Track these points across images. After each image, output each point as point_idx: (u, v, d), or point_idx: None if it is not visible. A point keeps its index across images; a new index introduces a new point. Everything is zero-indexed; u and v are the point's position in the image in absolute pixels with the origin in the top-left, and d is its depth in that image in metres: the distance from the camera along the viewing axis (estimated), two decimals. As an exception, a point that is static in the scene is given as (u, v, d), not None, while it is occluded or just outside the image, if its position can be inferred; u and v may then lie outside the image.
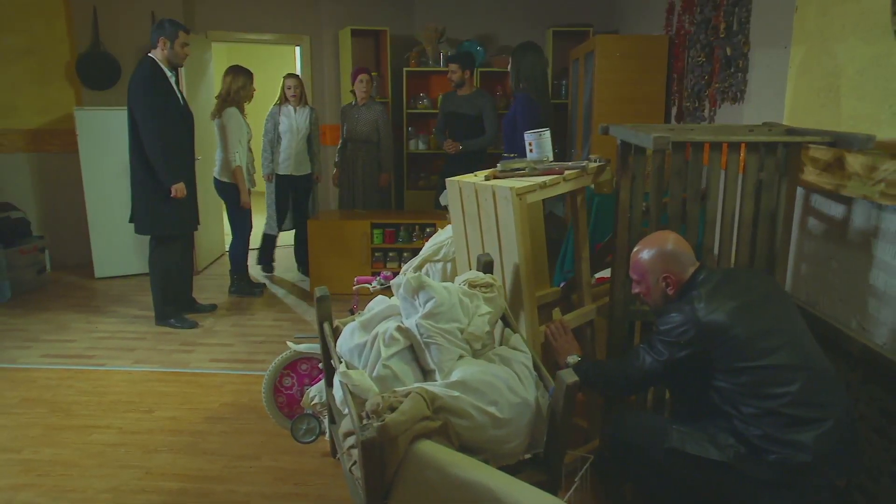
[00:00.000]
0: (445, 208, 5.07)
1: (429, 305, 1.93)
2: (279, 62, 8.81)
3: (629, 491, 2.38)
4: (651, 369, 1.92)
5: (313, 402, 2.67)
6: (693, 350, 1.84)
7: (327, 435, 2.70)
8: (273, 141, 5.16)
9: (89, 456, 2.73)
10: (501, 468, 1.81)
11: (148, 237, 4.26)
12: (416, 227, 4.92)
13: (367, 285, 2.81)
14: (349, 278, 4.77)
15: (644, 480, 2.01)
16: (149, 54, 3.97)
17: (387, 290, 2.87)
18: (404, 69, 6.13)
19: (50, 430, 2.95)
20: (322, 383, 2.70)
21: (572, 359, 2.20)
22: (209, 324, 4.34)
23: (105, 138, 5.21)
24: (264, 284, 5.20)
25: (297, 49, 6.36)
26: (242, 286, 4.99)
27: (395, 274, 2.90)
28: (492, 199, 2.24)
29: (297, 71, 6.40)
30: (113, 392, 3.33)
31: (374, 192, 5.33)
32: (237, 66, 4.79)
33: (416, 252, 4.91)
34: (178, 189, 3.98)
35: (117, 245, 5.36)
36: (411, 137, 6.31)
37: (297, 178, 5.26)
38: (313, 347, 2.83)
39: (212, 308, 4.60)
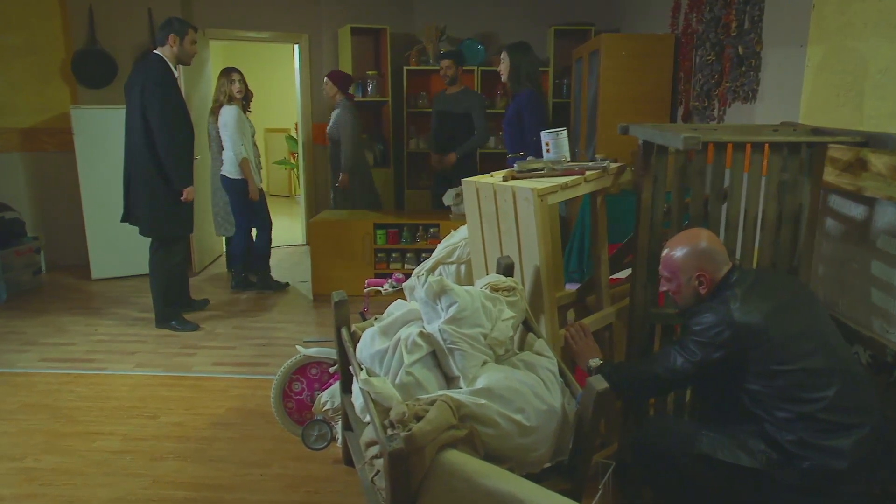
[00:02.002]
0: (448, 209, 5.05)
1: (451, 310, 1.87)
2: (276, 61, 8.74)
3: (646, 494, 2.35)
4: (682, 370, 1.87)
5: (325, 408, 2.61)
6: (728, 351, 1.80)
7: (339, 441, 2.65)
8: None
9: (94, 464, 2.66)
10: (526, 477, 1.76)
11: (146, 238, 4.17)
12: (420, 227, 4.86)
13: (378, 288, 2.75)
14: (352, 280, 4.75)
15: (669, 487, 1.96)
16: (155, 52, 3.88)
17: (399, 293, 2.82)
18: (404, 68, 6.07)
19: (52, 436, 2.88)
20: (333, 388, 2.64)
21: (594, 362, 2.15)
22: (210, 326, 4.27)
23: (102, 137, 5.12)
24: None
25: (296, 47, 6.28)
26: (240, 280, 5.02)
27: (407, 276, 2.86)
28: (511, 200, 2.19)
29: (296, 70, 6.34)
30: (115, 397, 3.26)
31: (334, 192, 5.34)
32: (225, 67, 4.81)
33: (419, 253, 4.87)
34: (189, 192, 3.93)
35: (114, 246, 5.26)
36: (412, 136, 6.25)
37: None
38: (323, 351, 2.77)
39: (205, 304, 4.56)
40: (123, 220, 4.09)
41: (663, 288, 2.06)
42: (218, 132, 4.80)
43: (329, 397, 2.62)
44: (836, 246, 2.56)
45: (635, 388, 2.06)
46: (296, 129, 7.57)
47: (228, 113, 4.64)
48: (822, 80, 2.69)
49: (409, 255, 4.87)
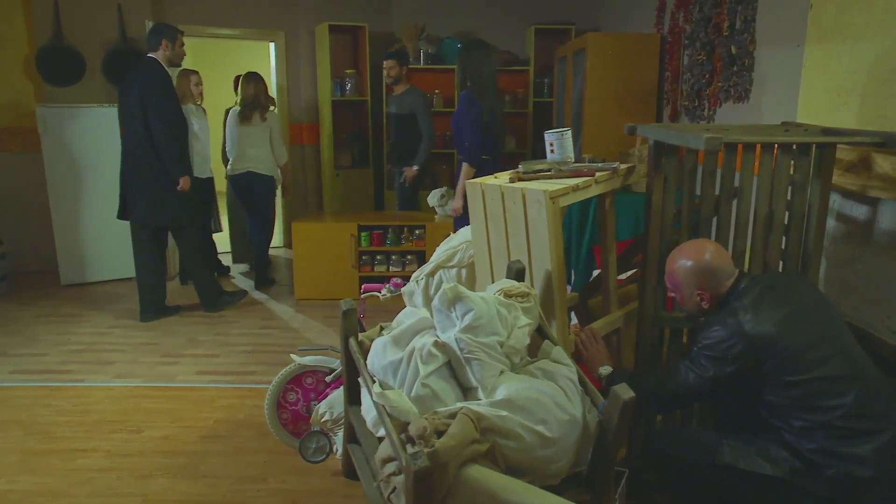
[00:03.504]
0: (433, 210, 4.97)
1: (467, 318, 1.80)
2: (250, 59, 8.52)
3: (658, 501, 2.31)
4: (695, 386, 1.82)
5: (323, 419, 2.51)
6: (741, 365, 1.75)
7: (338, 453, 2.55)
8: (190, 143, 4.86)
9: (77, 484, 2.51)
10: (544, 489, 1.70)
11: (118, 243, 4.25)
12: (405, 228, 4.77)
13: (376, 293, 2.66)
14: (337, 283, 4.65)
15: (691, 496, 1.92)
16: (150, 55, 4.06)
17: (397, 298, 2.74)
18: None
19: (29, 455, 2.71)
20: (331, 398, 2.55)
21: (604, 370, 2.10)
22: (192, 333, 4.11)
23: (70, 137, 4.91)
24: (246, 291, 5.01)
25: (272, 45, 6.12)
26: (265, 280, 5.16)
27: (406, 280, 2.77)
28: (521, 202, 2.12)
29: (272, 68, 6.19)
30: (95, 410, 3.10)
31: None
32: (254, 72, 4.90)
33: (404, 255, 4.78)
34: (185, 182, 4.12)
35: (84, 250, 5.07)
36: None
37: (207, 181, 5.01)
38: (319, 360, 2.67)
39: (176, 310, 4.46)
40: (119, 216, 4.25)
41: (670, 295, 2.03)
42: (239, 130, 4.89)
43: (327, 408, 2.52)
44: (838, 246, 2.55)
45: (649, 400, 2.00)
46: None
47: (272, 117, 4.93)
48: (820, 80, 2.69)
49: (394, 257, 4.77)
